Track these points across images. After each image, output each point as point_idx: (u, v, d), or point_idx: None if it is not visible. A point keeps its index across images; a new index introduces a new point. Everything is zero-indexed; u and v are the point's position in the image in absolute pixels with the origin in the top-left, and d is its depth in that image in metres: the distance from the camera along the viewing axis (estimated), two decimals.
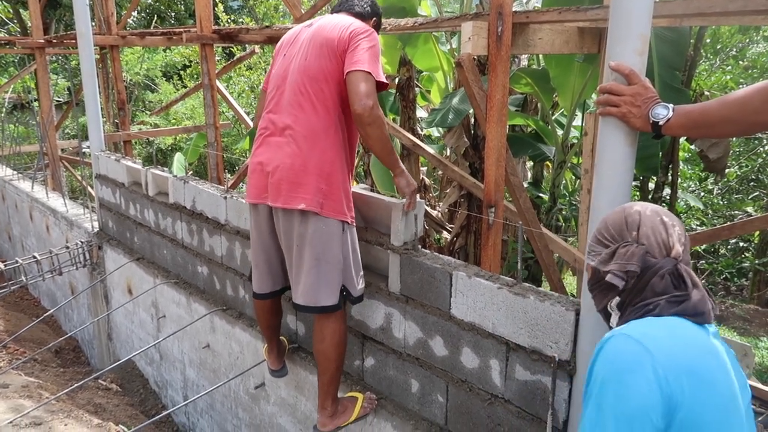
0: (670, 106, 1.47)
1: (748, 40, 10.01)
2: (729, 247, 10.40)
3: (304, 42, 2.20)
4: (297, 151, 2.11)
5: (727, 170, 8.63)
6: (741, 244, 10.47)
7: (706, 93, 5.85)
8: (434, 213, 6.12)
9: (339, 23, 2.16)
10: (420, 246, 2.41)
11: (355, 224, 2.27)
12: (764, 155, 9.77)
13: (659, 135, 1.52)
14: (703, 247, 10.03)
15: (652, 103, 1.50)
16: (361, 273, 2.32)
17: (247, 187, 2.30)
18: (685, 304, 1.13)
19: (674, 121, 1.45)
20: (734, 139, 9.79)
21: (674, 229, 1.19)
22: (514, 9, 3.06)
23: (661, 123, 1.47)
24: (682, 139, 6.56)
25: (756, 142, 9.86)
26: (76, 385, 3.48)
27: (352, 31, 2.11)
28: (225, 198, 3.24)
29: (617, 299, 1.21)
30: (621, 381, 1.01)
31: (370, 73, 2.03)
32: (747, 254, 10.42)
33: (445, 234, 6.22)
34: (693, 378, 1.00)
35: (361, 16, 2.32)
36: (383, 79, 2.08)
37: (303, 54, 2.17)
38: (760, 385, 3.06)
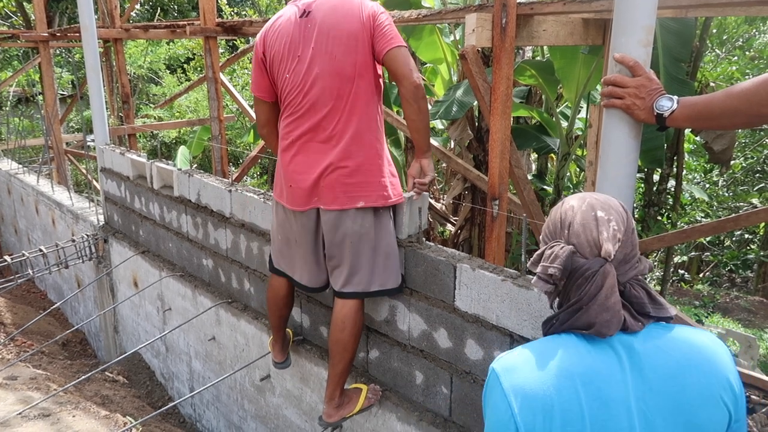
0: (675, 97, 1.47)
1: (754, 31, 9.93)
2: (734, 239, 10.37)
3: (319, 39, 2.06)
4: (347, 154, 2.10)
5: (732, 162, 8.59)
6: (746, 235, 10.44)
7: (712, 84, 5.81)
8: (438, 206, 6.12)
9: (348, 9, 2.05)
10: (424, 239, 2.42)
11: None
12: None
13: (664, 127, 1.51)
14: (708, 238, 10.01)
15: (657, 95, 1.49)
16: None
17: (288, 195, 2.24)
18: (577, 315, 1.08)
19: (679, 113, 1.44)
20: (740, 130, 9.74)
21: (608, 226, 1.10)
22: (518, 0, 3.05)
23: (665, 115, 1.46)
24: (687, 131, 6.53)
25: (762, 133, 9.80)
26: (83, 377, 3.52)
27: (369, 14, 2.05)
28: (230, 191, 3.25)
29: (557, 300, 1.17)
30: (489, 419, 1.10)
31: (407, 46, 2.08)
32: (752, 246, 10.39)
33: (449, 226, 6.23)
34: (548, 414, 1.02)
35: None
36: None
37: (328, 52, 2.06)
38: (765, 377, 3.06)
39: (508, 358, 1.11)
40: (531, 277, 2.05)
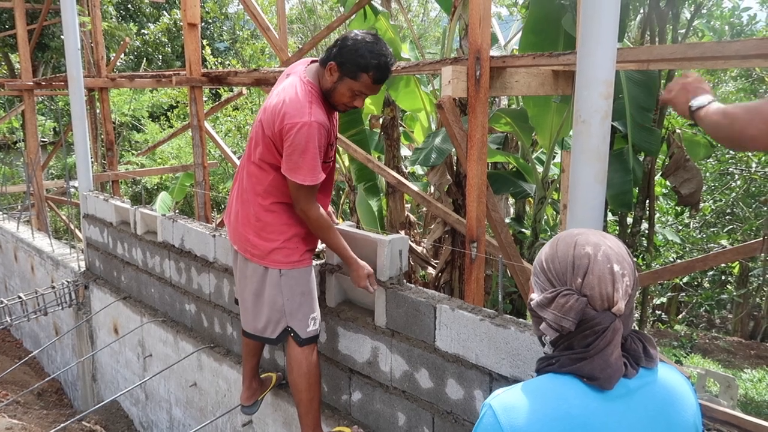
0: (711, 99, 1.48)
1: (717, 80, 10.43)
2: (707, 279, 10.57)
3: (268, 100, 2.24)
4: (240, 203, 2.35)
5: (701, 204, 8.85)
6: (723, 276, 10.66)
7: (678, 131, 6.09)
8: (419, 249, 6.20)
9: (278, 104, 2.14)
10: (406, 281, 2.49)
11: (301, 268, 2.34)
12: (737, 189, 10.07)
13: (694, 123, 1.54)
14: (684, 279, 10.21)
15: (701, 93, 1.51)
16: (314, 315, 2.38)
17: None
18: (580, 364, 1.09)
19: (704, 111, 1.46)
20: (708, 174, 10.09)
21: (622, 281, 1.10)
22: (491, 54, 3.23)
23: (692, 108, 1.49)
24: (657, 176, 6.77)
25: (728, 177, 10.17)
26: (59, 426, 3.45)
27: (282, 128, 2.12)
28: (213, 236, 3.30)
29: (548, 337, 1.17)
30: None
31: (302, 180, 2.15)
32: (728, 286, 10.60)
33: (430, 269, 6.30)
34: None
35: (323, 63, 2.19)
36: (311, 180, 2.14)
37: (262, 116, 2.22)
38: (744, 416, 3.12)
39: (506, 396, 1.10)
40: (509, 316, 2.12)
